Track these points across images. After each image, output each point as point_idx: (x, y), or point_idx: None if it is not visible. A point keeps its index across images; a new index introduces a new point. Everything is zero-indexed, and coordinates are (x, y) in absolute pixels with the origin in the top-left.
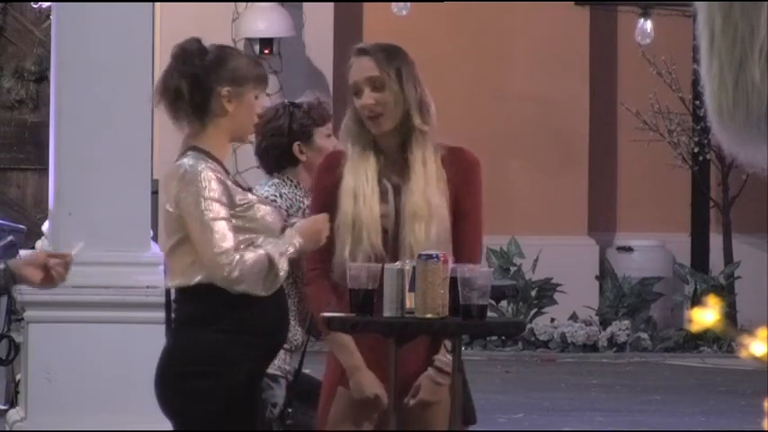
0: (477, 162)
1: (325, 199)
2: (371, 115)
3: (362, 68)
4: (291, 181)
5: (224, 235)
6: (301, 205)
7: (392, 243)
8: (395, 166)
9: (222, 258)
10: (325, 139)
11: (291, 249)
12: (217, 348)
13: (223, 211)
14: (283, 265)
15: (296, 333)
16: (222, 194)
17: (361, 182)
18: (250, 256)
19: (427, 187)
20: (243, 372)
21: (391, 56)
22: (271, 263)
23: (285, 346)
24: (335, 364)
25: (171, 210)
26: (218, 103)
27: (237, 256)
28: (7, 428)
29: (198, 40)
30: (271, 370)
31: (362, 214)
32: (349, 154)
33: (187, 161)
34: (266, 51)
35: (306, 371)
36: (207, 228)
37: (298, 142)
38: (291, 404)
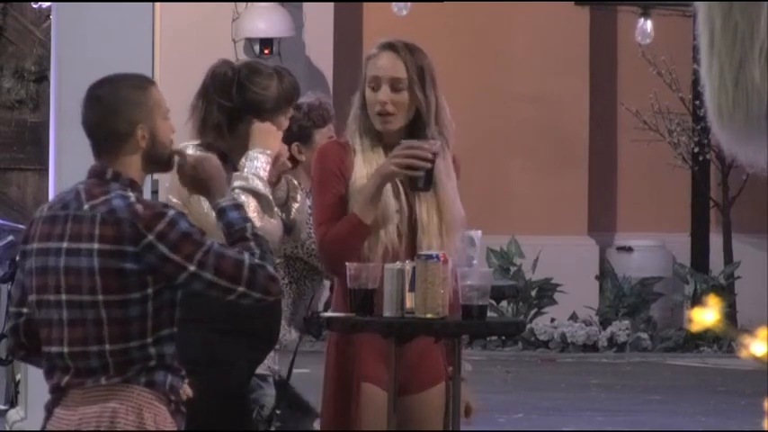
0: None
1: (343, 180)
2: (383, 113)
3: (388, 66)
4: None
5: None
6: None
7: (406, 241)
8: None
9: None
10: (326, 141)
11: (262, 162)
12: (210, 348)
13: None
14: (260, 185)
15: (285, 333)
16: None
17: None
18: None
19: (440, 190)
20: (236, 371)
21: (418, 59)
22: (249, 193)
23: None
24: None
25: (172, 199)
26: (245, 128)
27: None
28: (7, 428)
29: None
30: (259, 370)
31: (380, 209)
32: (358, 147)
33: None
34: (266, 51)
35: (305, 370)
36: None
37: (296, 143)
38: (280, 406)
